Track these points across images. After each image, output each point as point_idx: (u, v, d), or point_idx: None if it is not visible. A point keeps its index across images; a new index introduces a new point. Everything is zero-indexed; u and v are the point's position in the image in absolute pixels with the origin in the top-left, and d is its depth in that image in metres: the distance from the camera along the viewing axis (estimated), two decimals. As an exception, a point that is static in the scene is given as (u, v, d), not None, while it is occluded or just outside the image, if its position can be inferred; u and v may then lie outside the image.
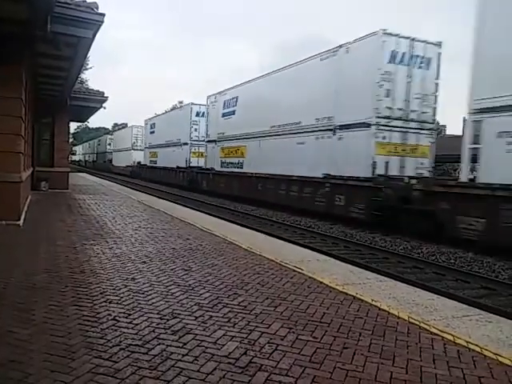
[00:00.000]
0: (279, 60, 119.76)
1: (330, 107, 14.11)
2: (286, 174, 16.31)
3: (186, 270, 5.03)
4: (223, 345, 3.02)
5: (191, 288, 4.33)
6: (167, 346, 2.96)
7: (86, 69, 34.34)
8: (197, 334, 3.18)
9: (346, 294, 4.38)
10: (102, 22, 7.57)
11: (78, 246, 6.16)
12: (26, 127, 9.31)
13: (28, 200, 10.87)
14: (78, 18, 7.38)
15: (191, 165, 27.23)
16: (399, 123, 12.86)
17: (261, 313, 3.70)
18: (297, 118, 15.87)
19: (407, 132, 13.01)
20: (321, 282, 4.77)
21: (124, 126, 56.57)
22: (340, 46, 13.95)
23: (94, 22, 7.54)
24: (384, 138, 12.65)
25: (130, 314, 3.52)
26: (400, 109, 12.79)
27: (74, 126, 73.65)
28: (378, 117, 12.49)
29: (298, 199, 15.74)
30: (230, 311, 3.70)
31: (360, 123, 12.84)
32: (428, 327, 3.53)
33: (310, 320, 3.58)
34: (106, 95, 16.98)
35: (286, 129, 16.68)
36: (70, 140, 32.79)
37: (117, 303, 3.77)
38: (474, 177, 9.85)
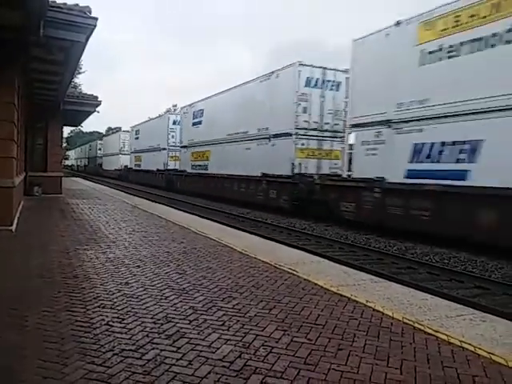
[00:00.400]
0: (273, 62, 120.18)
1: (266, 120, 17.49)
2: (237, 174, 19.58)
3: (180, 274, 5.02)
4: (218, 348, 3.01)
5: (185, 292, 4.31)
6: (161, 350, 2.95)
7: (80, 73, 34.33)
8: (191, 338, 3.17)
9: (341, 295, 4.38)
10: (95, 25, 7.55)
11: (72, 251, 6.13)
12: (18, 132, 9.26)
13: (20, 205, 10.81)
14: (70, 22, 7.34)
15: (169, 167, 29.95)
16: (315, 133, 16.24)
17: (255, 315, 3.70)
18: (245, 128, 19.23)
19: (322, 140, 16.42)
20: (315, 284, 4.77)
21: (118, 130, 57.19)
22: (272, 72, 17.29)
23: (86, 25, 7.52)
24: (303, 144, 16.06)
25: (123, 319, 3.50)
26: (316, 122, 16.15)
27: (67, 131, 73.46)
28: (297, 128, 15.86)
29: (245, 194, 19.03)
30: (224, 314, 3.70)
31: (285, 133, 16.27)
32: (422, 327, 3.54)
33: (304, 322, 3.58)
34: (99, 99, 16.94)
35: (237, 137, 19.95)
36: (64, 144, 32.91)
37: (110, 308, 3.75)
38: (350, 173, 13.38)
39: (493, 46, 9.25)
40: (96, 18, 7.51)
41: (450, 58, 10.12)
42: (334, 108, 16.20)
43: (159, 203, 16.85)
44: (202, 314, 3.67)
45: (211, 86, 42.97)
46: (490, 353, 3.08)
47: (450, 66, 10.07)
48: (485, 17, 9.42)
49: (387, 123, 11.78)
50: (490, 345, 3.23)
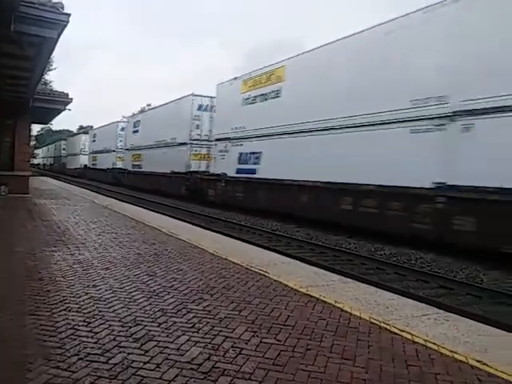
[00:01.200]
0: (251, 63, 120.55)
1: (175, 132, 23.85)
2: (159, 172, 25.76)
3: (150, 276, 4.96)
4: (186, 350, 3.00)
5: (155, 294, 4.27)
6: (128, 353, 2.90)
7: (50, 70, 33.81)
8: (159, 341, 3.14)
9: (310, 296, 4.43)
10: (68, 22, 7.43)
11: (38, 253, 5.97)
12: (-18, 129, 8.95)
13: (-15, 205, 10.44)
14: (42, 17, 7.22)
15: (117, 166, 35.85)
16: (205, 143, 22.64)
17: (225, 317, 3.70)
18: (164, 136, 25.59)
19: (210, 148, 22.00)
20: (286, 285, 4.81)
21: (90, 128, 57.27)
22: (179, 98, 23.90)
23: (58, 22, 7.38)
24: (196, 150, 22.76)
25: (90, 323, 3.43)
26: (206, 135, 22.58)
27: (37, 128, 71.74)
28: (191, 139, 22.56)
29: (164, 186, 25.25)
30: (194, 316, 3.68)
31: (184, 143, 22.94)
32: (388, 327, 3.62)
33: (274, 323, 3.61)
34: (70, 97, 16.58)
35: (159, 143, 26.41)
36: (33, 143, 32.52)
37: (77, 311, 3.67)
38: (214, 171, 20.15)
39: (266, 99, 16.30)
40: (69, 14, 7.38)
41: (252, 103, 17.28)
42: None
43: (129, 203, 16.62)
44: (171, 317, 3.64)
45: (187, 85, 44.16)
46: (452, 351, 3.18)
47: (252, 108, 17.22)
48: (264, 82, 16.54)
49: (229, 139, 18.71)
50: (452, 343, 3.33)
